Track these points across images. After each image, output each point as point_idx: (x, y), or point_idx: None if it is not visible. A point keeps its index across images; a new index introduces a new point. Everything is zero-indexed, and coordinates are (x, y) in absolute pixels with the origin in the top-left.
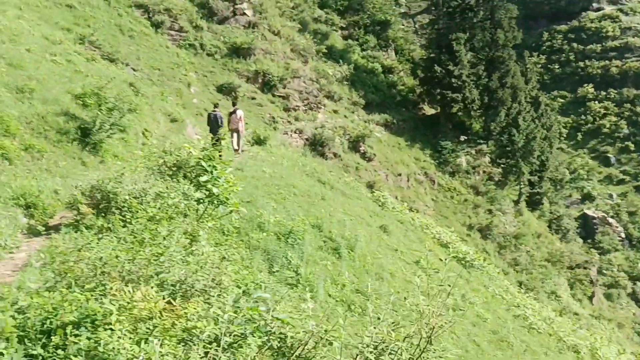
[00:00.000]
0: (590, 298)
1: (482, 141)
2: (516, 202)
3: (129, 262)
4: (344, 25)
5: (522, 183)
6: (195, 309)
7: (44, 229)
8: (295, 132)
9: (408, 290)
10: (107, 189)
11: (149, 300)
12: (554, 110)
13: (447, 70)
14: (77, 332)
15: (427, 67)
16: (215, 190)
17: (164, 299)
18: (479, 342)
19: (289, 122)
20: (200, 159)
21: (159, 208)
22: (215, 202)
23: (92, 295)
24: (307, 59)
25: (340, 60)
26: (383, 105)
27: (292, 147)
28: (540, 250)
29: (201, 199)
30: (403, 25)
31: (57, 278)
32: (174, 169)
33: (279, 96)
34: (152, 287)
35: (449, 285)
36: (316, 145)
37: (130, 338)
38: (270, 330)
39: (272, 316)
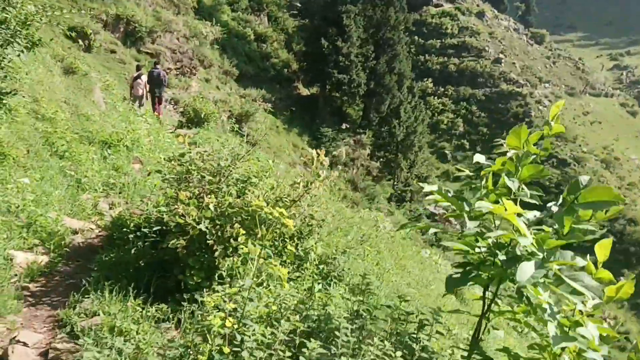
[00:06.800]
0: None
1: (361, 130)
2: (389, 200)
3: None
4: None
5: (396, 180)
6: None
7: None
8: (170, 103)
9: None
10: None
11: None
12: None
13: (335, 46)
14: None
15: (309, 41)
16: None
17: None
18: None
19: None
20: None
21: None
22: None
23: None
24: (179, 11)
25: (213, 19)
26: (257, 79)
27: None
28: None
29: None
30: None
31: None
32: None
33: (147, 53)
34: None
35: None
36: (194, 122)
37: None
38: None
39: None
